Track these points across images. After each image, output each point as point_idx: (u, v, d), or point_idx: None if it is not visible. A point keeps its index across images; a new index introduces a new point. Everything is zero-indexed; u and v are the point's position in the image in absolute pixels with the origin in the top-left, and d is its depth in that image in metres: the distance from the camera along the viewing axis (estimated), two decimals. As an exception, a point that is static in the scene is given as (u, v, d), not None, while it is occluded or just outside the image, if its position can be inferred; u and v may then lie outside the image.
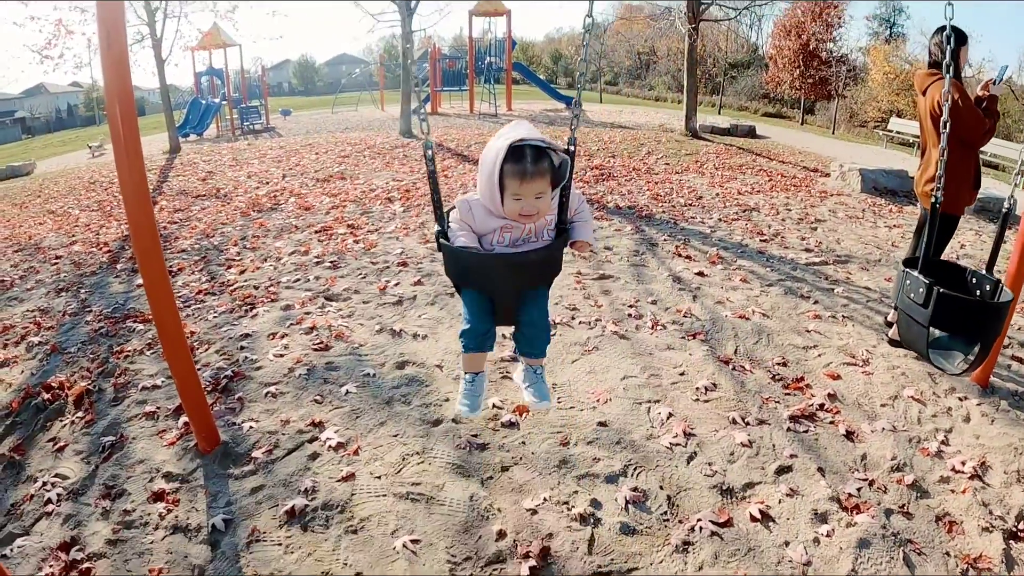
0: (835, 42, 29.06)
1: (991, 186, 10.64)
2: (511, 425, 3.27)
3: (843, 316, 4.66)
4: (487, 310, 2.12)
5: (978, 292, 2.75)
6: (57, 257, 7.04)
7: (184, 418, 3.29)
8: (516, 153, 1.92)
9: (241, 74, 24.23)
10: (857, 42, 37.97)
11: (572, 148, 2.06)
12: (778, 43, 29.97)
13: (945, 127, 2.57)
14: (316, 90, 63.54)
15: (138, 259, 2.79)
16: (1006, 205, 2.79)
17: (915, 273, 2.50)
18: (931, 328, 2.48)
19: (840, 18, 28.38)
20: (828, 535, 2.56)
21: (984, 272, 2.75)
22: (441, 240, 2.08)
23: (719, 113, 30.05)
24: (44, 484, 2.96)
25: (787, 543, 2.52)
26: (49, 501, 2.84)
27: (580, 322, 4.49)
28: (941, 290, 2.39)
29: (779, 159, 12.86)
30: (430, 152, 2.07)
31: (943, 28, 3.53)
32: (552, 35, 68.83)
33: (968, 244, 6.90)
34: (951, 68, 2.58)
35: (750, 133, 17.27)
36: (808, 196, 9.13)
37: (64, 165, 18.62)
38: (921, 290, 2.45)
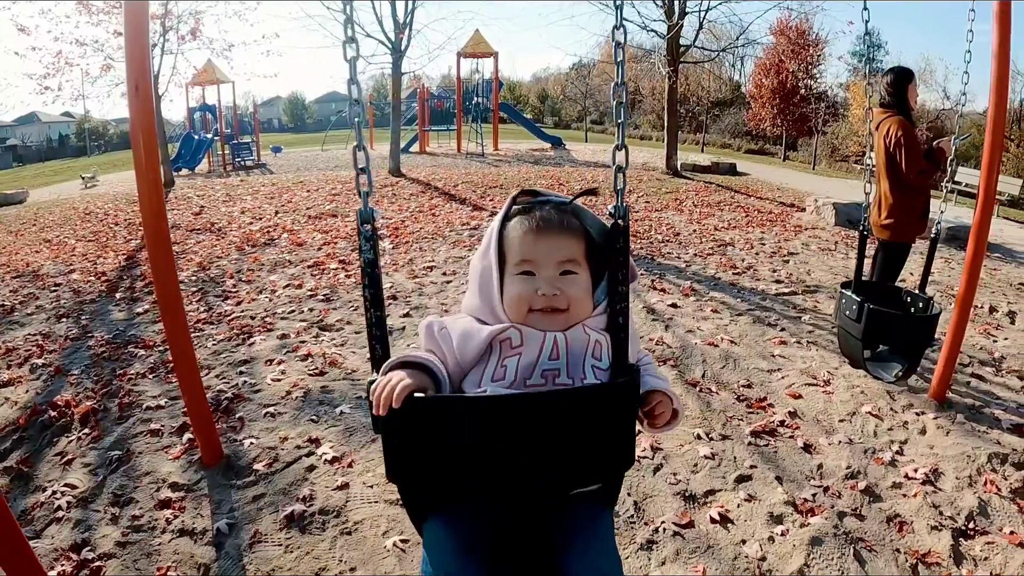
0: (814, 79, 29.94)
1: (962, 214, 10.86)
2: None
3: (808, 341, 4.94)
4: (477, 547, 1.23)
5: (913, 309, 3.07)
6: (56, 285, 7.22)
7: (188, 435, 3.51)
8: (527, 201, 1.30)
9: (233, 110, 24.68)
10: (836, 78, 39.13)
11: (622, 222, 1.22)
12: (758, 81, 30.81)
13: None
14: (306, 127, 64.44)
15: (153, 271, 3.03)
16: (934, 231, 3.12)
17: (849, 292, 2.81)
18: (866, 340, 2.78)
19: (819, 56, 29.33)
20: (783, 534, 2.78)
21: (917, 292, 3.07)
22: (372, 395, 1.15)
23: (702, 151, 30.72)
24: (54, 493, 3.13)
25: (744, 541, 2.75)
26: (59, 508, 3.01)
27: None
28: (871, 306, 2.69)
29: (757, 195, 13.29)
30: (368, 228, 1.31)
31: (892, 69, 3.93)
32: (539, 75, 70.05)
33: (937, 271, 7.20)
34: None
35: (731, 171, 17.79)
36: (783, 230, 9.51)
37: (57, 195, 18.79)
38: (854, 307, 2.75)
